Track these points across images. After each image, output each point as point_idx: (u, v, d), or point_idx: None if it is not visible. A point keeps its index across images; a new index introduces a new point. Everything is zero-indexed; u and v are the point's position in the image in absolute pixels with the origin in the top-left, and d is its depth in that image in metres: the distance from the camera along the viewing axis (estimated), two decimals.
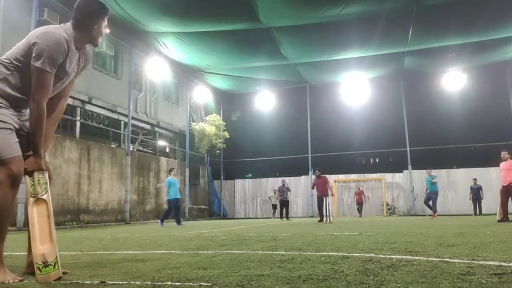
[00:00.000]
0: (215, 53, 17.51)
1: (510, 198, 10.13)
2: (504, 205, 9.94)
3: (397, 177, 21.12)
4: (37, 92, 2.50)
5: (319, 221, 12.53)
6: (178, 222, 12.85)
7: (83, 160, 13.60)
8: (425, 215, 13.97)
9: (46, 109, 2.57)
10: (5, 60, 2.61)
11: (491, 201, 17.84)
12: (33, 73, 2.50)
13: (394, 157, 23.11)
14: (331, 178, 18.77)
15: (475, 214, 17.41)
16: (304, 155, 22.64)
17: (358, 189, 20.62)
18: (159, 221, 13.08)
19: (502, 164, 10.21)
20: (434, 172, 20.28)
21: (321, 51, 17.76)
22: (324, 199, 12.92)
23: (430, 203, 13.99)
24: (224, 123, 23.34)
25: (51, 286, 2.21)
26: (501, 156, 10.25)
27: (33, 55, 2.50)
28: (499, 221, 9.61)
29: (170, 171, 13.61)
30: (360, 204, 20.09)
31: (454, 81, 20.40)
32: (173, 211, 12.92)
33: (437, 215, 14.05)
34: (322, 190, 13.17)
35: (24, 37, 2.66)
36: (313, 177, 13.98)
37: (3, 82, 2.55)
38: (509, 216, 9.77)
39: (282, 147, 23.03)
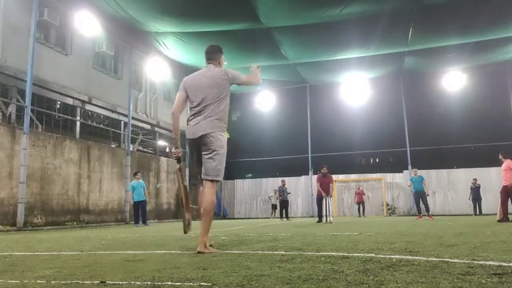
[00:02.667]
0: None
1: (510, 199, 10.16)
2: (504, 205, 9.98)
3: (397, 177, 21.12)
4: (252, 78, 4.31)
5: (318, 222, 12.25)
6: (144, 223, 13.26)
7: (83, 160, 13.60)
8: (425, 215, 13.93)
9: None
10: (212, 107, 3.89)
11: (491, 201, 17.81)
12: (244, 78, 4.13)
13: (394, 157, 23.05)
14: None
15: (475, 214, 17.40)
16: (304, 155, 22.63)
17: (359, 188, 20.62)
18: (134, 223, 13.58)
19: (502, 165, 10.35)
20: (433, 172, 20.42)
21: (321, 51, 17.75)
22: (324, 199, 12.56)
23: (421, 204, 13.87)
24: None
25: (51, 286, 2.21)
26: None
27: (235, 76, 4.05)
28: (499, 221, 9.63)
29: (134, 175, 13.83)
30: (361, 203, 20.08)
31: (454, 81, 20.40)
32: (140, 212, 13.34)
33: (434, 216, 13.95)
34: (325, 190, 12.57)
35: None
36: (313, 175, 13.19)
37: (223, 119, 3.93)
38: (509, 216, 9.80)
39: (282, 147, 23.00)
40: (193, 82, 4.02)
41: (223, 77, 3.95)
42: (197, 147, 3.86)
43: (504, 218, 9.71)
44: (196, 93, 3.92)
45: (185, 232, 4.27)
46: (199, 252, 3.65)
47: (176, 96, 4.09)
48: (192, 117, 3.91)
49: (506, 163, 10.10)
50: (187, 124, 3.95)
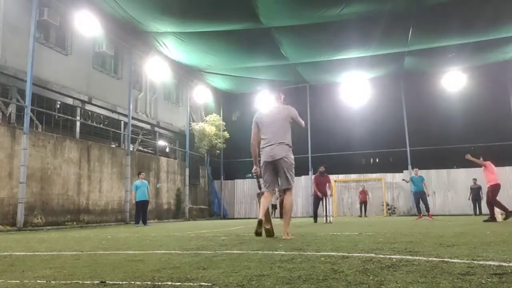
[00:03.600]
0: (215, 53, 17.50)
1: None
2: (490, 205, 10.33)
3: (397, 177, 21.11)
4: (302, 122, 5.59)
5: (314, 222, 12.08)
6: (144, 223, 13.26)
7: (83, 160, 13.60)
8: (425, 215, 13.93)
9: None
10: (280, 136, 5.31)
11: None
12: (298, 120, 5.51)
13: (394, 157, 23.04)
14: (331, 178, 18.67)
15: (475, 214, 17.41)
16: (304, 155, 22.62)
17: (362, 188, 20.57)
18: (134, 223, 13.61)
19: (488, 168, 10.74)
20: (433, 172, 20.43)
21: (321, 51, 17.74)
22: (323, 200, 12.40)
23: (421, 204, 13.89)
24: (224, 123, 23.33)
25: (51, 286, 2.21)
26: None
27: (294, 115, 5.44)
28: (484, 221, 9.86)
29: (138, 174, 13.83)
30: (364, 203, 20.04)
31: (454, 81, 20.39)
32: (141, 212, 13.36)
33: (434, 216, 13.97)
34: (322, 190, 12.41)
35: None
36: (313, 175, 13.07)
37: (289, 143, 5.40)
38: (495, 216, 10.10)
39: None
40: (264, 117, 5.40)
41: (285, 113, 5.35)
42: (274, 165, 5.24)
43: (490, 218, 9.97)
44: (266, 126, 5.31)
45: (257, 234, 5.24)
46: (284, 239, 5.00)
47: (252, 130, 5.46)
48: (267, 144, 5.25)
49: (487, 164, 10.45)
50: (262, 150, 5.31)
